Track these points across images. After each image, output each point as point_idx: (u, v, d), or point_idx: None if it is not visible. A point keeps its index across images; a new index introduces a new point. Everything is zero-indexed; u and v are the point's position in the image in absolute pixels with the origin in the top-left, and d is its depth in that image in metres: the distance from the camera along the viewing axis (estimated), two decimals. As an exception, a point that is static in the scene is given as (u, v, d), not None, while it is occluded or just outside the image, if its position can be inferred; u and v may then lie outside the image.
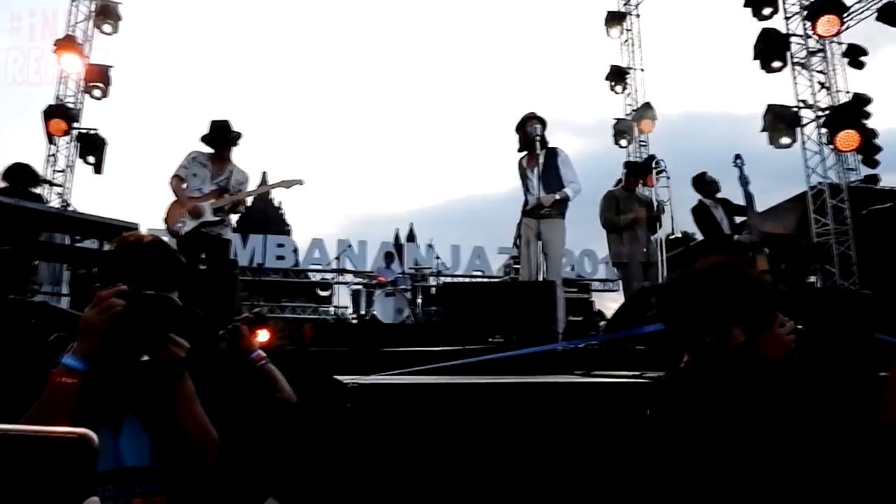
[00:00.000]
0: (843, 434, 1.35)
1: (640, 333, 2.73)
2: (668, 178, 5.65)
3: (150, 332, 1.29)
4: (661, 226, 5.49)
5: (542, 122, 5.24)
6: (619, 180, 6.90)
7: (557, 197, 5.00)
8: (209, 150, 5.00)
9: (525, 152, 5.30)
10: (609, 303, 12.92)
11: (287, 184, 5.06)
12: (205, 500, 1.40)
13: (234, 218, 5.20)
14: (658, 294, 1.63)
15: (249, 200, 5.10)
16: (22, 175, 5.72)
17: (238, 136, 5.07)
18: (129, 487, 1.29)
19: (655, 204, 5.78)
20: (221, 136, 4.99)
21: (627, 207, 6.25)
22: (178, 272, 1.53)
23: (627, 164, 7.20)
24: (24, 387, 1.22)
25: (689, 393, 1.46)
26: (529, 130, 5.16)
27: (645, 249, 5.85)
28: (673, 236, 5.57)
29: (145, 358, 1.36)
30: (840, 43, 10.54)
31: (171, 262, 1.52)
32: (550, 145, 5.26)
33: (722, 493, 1.33)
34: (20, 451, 0.40)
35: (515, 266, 5.41)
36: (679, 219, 6.34)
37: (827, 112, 8.83)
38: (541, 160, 5.14)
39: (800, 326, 1.54)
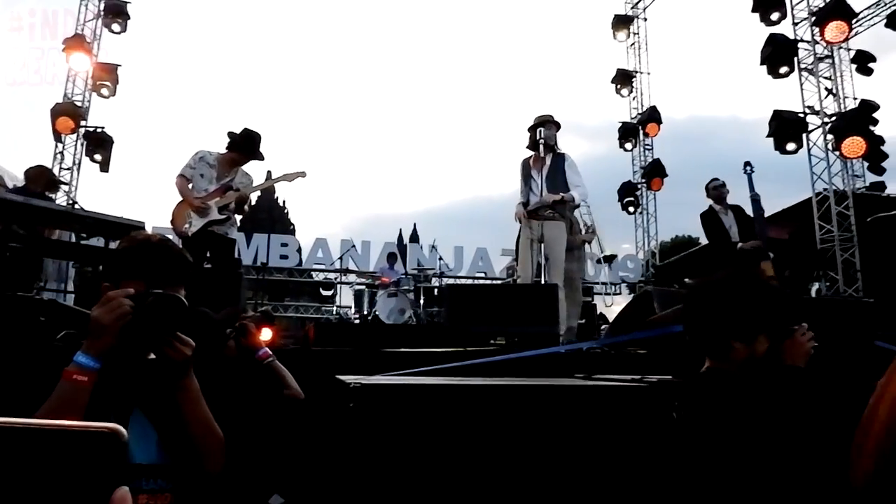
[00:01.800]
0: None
1: (641, 337, 2.74)
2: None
3: (158, 331, 1.30)
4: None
5: (553, 124, 5.26)
6: None
7: (560, 197, 4.98)
8: (217, 150, 5.00)
9: (532, 153, 5.30)
10: (613, 307, 12.88)
11: (290, 177, 5.06)
12: (211, 496, 1.41)
13: (238, 217, 5.21)
14: (685, 299, 1.64)
15: (254, 198, 5.12)
16: (41, 180, 5.76)
17: (261, 158, 5.05)
18: (136, 484, 1.31)
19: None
20: (251, 148, 4.95)
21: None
22: (185, 271, 1.54)
23: None
24: (34, 384, 1.24)
25: (718, 398, 1.48)
26: (535, 133, 5.17)
27: None
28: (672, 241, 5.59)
29: (152, 356, 1.37)
30: (848, 49, 10.55)
31: (178, 261, 1.53)
32: (559, 150, 5.27)
33: (751, 497, 1.35)
34: (53, 445, 0.42)
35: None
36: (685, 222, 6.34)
37: (833, 118, 8.81)
38: (547, 162, 5.14)
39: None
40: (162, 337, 1.32)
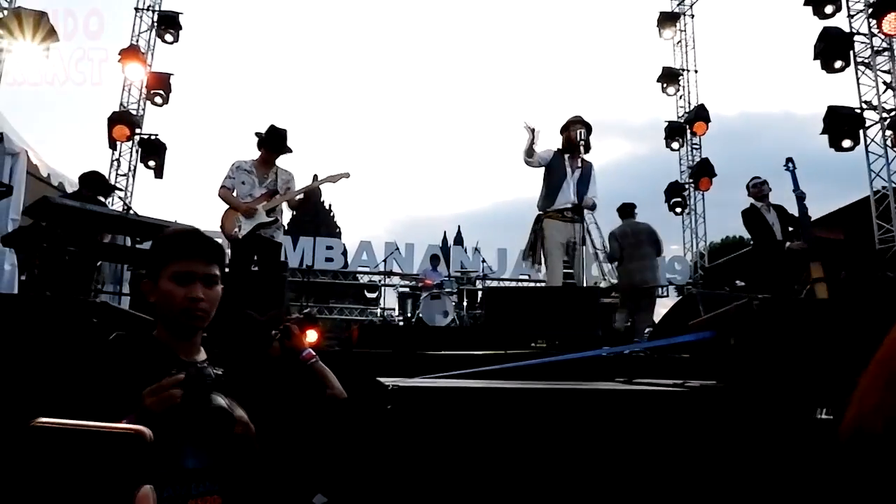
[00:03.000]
0: None
1: (684, 341, 2.69)
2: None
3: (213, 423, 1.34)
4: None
5: (588, 127, 5.20)
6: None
7: (593, 203, 5.03)
8: (250, 157, 5.15)
9: (566, 153, 5.24)
10: (659, 308, 12.63)
11: (334, 178, 5.18)
12: (258, 495, 1.45)
13: (286, 218, 5.33)
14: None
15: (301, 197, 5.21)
16: (95, 184, 6.01)
17: (290, 150, 5.20)
18: (185, 490, 1.35)
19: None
20: (279, 143, 5.12)
21: None
22: (218, 251, 1.60)
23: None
24: (85, 384, 1.29)
25: None
26: (573, 134, 5.12)
27: None
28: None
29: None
30: (908, 41, 10.07)
31: (210, 242, 1.59)
32: (587, 157, 5.25)
33: None
34: (81, 445, 0.45)
35: (566, 271, 5.35)
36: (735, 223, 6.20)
37: (893, 113, 8.45)
38: (580, 164, 5.13)
39: None
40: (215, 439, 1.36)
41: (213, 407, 1.33)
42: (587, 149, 5.12)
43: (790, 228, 5.99)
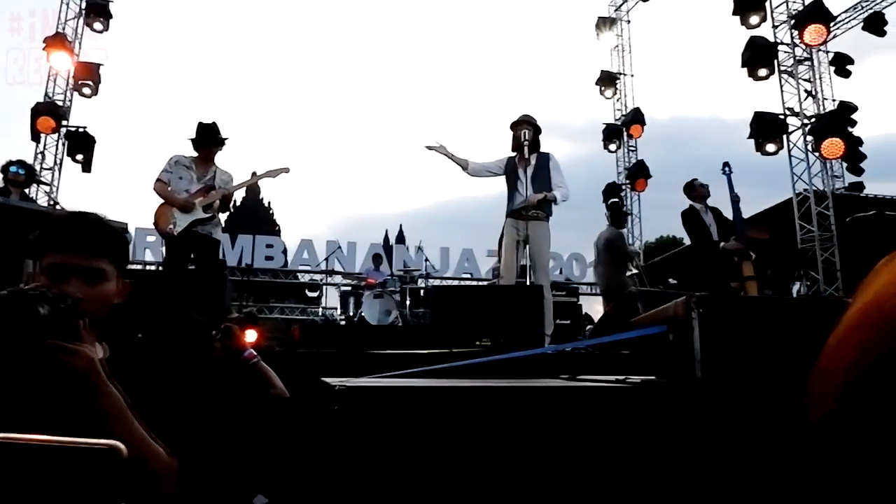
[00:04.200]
0: None
1: (624, 338, 2.77)
2: None
3: (14, 340, 1.04)
4: None
5: (535, 127, 5.24)
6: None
7: (545, 196, 4.98)
8: (190, 153, 5.04)
9: (516, 154, 5.28)
10: (597, 306, 12.98)
11: (273, 173, 5.10)
12: (194, 495, 1.35)
13: (223, 217, 5.20)
14: None
15: (239, 199, 5.14)
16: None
17: (224, 140, 5.10)
18: None
19: None
20: (208, 138, 5.02)
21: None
22: (105, 240, 1.34)
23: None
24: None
25: None
26: (517, 134, 5.17)
27: None
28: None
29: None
30: (827, 52, 10.71)
31: (95, 226, 1.34)
32: (542, 150, 5.27)
33: None
34: (51, 461, 0.42)
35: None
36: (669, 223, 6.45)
37: (813, 120, 8.95)
38: (532, 161, 5.15)
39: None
40: (21, 347, 1.05)
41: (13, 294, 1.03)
42: (532, 149, 5.17)
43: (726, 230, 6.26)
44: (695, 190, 6.41)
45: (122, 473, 0.43)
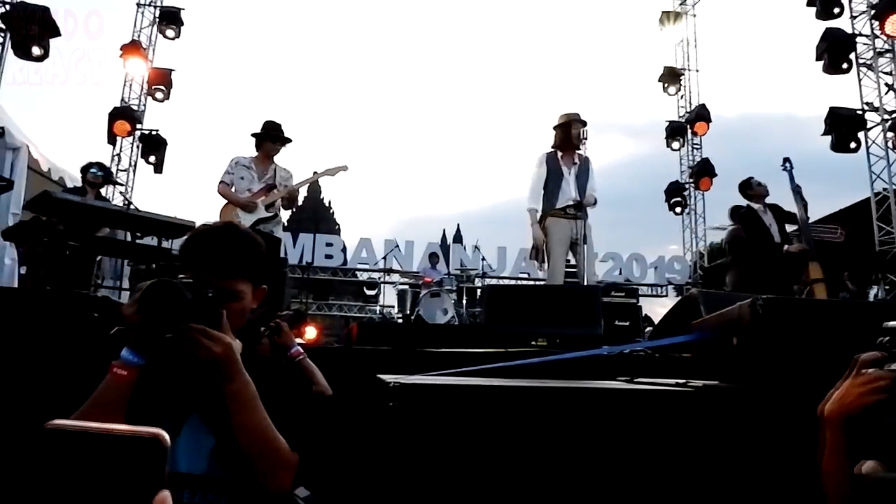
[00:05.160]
0: None
1: (685, 341, 2.69)
2: None
3: (161, 323, 1.16)
4: None
5: (586, 125, 5.21)
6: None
7: (594, 200, 5.02)
8: (250, 154, 5.17)
9: (556, 151, 5.23)
10: (658, 308, 12.64)
11: (332, 171, 5.18)
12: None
13: (285, 216, 5.33)
14: None
15: (301, 198, 5.25)
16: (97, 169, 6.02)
17: (287, 140, 5.22)
18: (177, 496, 1.16)
19: None
20: (273, 135, 5.14)
21: None
22: (242, 260, 1.36)
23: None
24: (87, 379, 1.27)
25: None
26: (575, 132, 5.11)
27: None
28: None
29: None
30: (910, 43, 10.07)
31: (232, 249, 1.35)
32: (581, 152, 5.25)
33: None
34: (96, 448, 0.44)
35: (569, 269, 5.32)
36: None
37: (894, 115, 8.45)
38: (576, 161, 5.12)
39: None
40: (166, 329, 1.17)
41: (160, 282, 1.16)
42: (582, 146, 5.15)
43: (787, 227, 5.98)
44: (752, 189, 6.13)
45: (164, 461, 0.44)
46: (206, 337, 1.17)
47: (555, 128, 5.29)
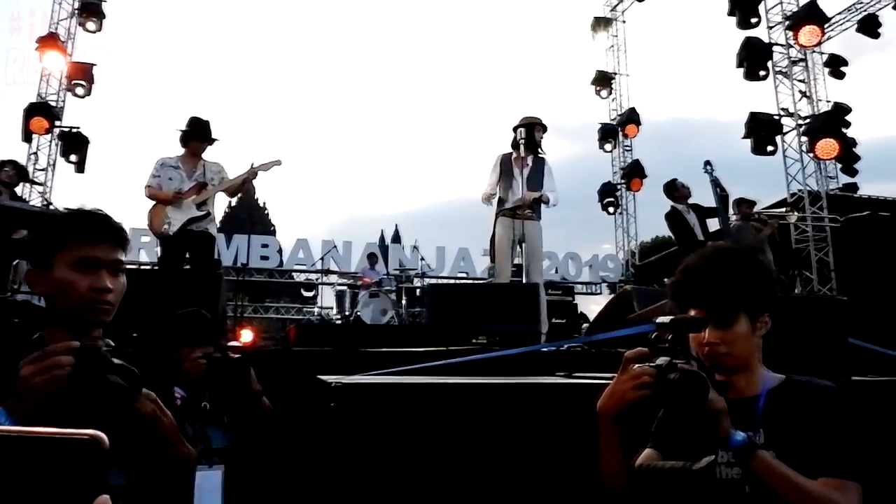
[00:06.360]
0: None
1: (621, 335, 2.78)
2: None
3: (110, 403, 1.10)
4: None
5: (545, 130, 5.28)
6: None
7: (541, 195, 5.02)
8: (175, 153, 5.00)
9: (512, 152, 5.27)
10: (592, 305, 13.00)
11: (266, 166, 5.05)
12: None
13: (219, 217, 5.18)
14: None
15: (234, 198, 5.09)
16: (11, 167, 5.68)
17: (214, 140, 5.07)
18: None
19: None
20: (200, 133, 4.98)
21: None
22: (125, 237, 1.39)
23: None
24: (6, 385, 1.20)
25: None
26: (532, 134, 5.15)
27: None
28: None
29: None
30: (821, 53, 10.76)
31: (117, 226, 1.38)
32: (541, 154, 5.31)
33: None
34: (31, 452, 0.41)
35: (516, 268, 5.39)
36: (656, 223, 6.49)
37: (807, 120, 8.98)
38: (529, 163, 5.16)
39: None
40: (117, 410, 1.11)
41: (110, 384, 1.08)
42: (533, 149, 5.19)
43: (708, 221, 6.28)
44: (677, 190, 6.41)
45: (104, 464, 0.43)
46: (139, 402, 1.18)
47: (513, 129, 5.33)
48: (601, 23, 13.64)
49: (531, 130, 5.21)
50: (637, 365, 1.22)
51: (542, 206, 5.16)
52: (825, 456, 1.20)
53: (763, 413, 1.31)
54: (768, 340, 1.41)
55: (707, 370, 1.25)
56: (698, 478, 1.21)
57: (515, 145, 5.21)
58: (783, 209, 8.70)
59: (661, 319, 1.27)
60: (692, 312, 1.36)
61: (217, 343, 2.26)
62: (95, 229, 1.34)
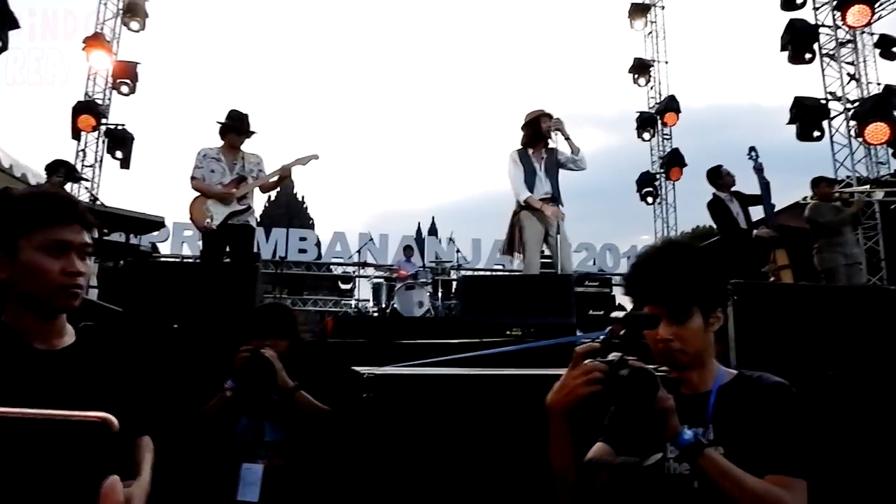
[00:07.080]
0: None
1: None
2: None
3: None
4: None
5: (550, 117, 5.25)
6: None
7: (561, 212, 5.07)
8: (216, 144, 5.08)
9: (529, 148, 5.25)
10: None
11: (303, 160, 5.12)
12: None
13: (258, 210, 5.27)
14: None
15: (273, 192, 5.17)
16: (63, 171, 5.88)
17: (252, 133, 5.15)
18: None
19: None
20: (239, 126, 5.06)
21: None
22: (91, 219, 1.42)
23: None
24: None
25: None
26: (545, 127, 5.14)
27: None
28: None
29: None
30: (871, 33, 10.31)
31: (85, 208, 1.40)
32: (551, 145, 5.29)
33: None
34: (42, 435, 0.42)
35: (544, 260, 5.37)
36: (705, 212, 6.35)
37: (856, 104, 8.64)
38: (543, 156, 5.18)
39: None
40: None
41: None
42: (541, 141, 5.23)
43: (750, 209, 6.13)
44: (721, 178, 6.24)
45: (113, 446, 0.43)
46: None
47: (523, 127, 5.31)
48: (639, 9, 13.34)
49: (537, 123, 5.19)
50: (588, 360, 1.20)
51: (577, 170, 5.23)
52: (772, 453, 1.20)
53: (714, 409, 1.31)
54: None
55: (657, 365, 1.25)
56: (648, 473, 1.21)
57: (533, 140, 5.19)
58: (867, 186, 8.33)
59: (614, 314, 1.27)
60: (646, 309, 1.34)
61: (296, 336, 2.35)
62: (63, 211, 1.32)
